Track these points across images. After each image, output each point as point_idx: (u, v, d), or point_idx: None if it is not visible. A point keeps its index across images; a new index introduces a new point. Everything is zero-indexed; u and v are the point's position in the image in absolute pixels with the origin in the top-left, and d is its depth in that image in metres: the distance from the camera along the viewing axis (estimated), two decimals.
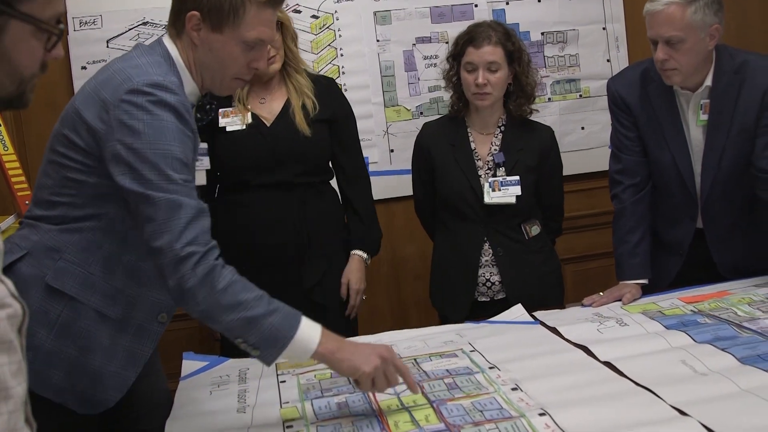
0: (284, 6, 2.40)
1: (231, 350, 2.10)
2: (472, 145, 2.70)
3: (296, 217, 2.64)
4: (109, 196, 1.74)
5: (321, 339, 1.69)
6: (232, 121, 2.63)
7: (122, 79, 1.70)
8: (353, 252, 2.77)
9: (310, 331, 1.69)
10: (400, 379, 1.75)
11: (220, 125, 2.63)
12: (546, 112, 3.76)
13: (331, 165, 2.79)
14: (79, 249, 1.77)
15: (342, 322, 2.68)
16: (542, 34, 3.90)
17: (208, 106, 1.98)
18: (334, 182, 2.83)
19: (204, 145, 2.52)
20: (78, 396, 1.78)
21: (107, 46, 3.45)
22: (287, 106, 2.65)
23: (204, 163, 2.52)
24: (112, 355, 1.80)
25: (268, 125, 2.64)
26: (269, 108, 2.67)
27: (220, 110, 2.62)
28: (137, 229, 1.69)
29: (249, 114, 2.64)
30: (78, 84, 3.36)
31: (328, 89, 2.74)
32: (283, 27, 2.59)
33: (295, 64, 2.67)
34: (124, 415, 1.96)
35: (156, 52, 1.80)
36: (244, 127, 2.62)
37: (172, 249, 1.62)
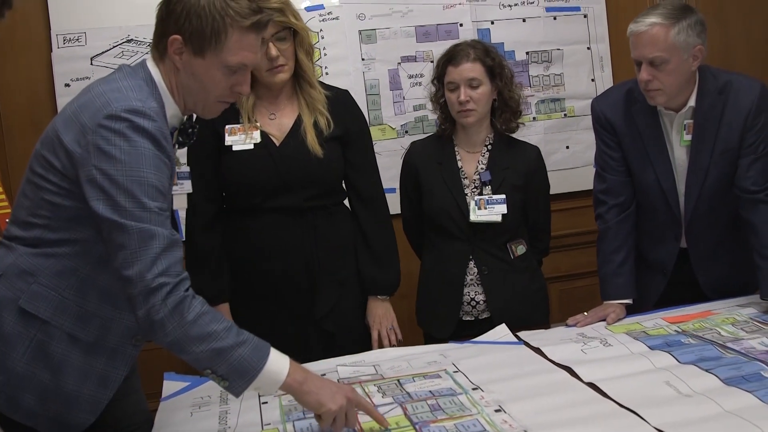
0: (286, 18, 2.35)
1: None
2: (459, 164, 2.70)
3: (306, 244, 2.49)
4: (85, 220, 1.72)
5: (289, 370, 1.70)
6: (239, 140, 2.46)
7: (101, 104, 1.68)
8: (372, 298, 2.62)
9: (278, 363, 1.70)
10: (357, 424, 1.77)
11: (226, 143, 2.47)
12: (531, 131, 3.76)
13: (343, 184, 2.63)
14: (53, 273, 1.75)
15: (350, 349, 2.45)
16: (527, 53, 3.92)
17: (190, 130, 1.95)
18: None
19: (186, 169, 2.43)
20: (50, 419, 1.76)
21: (91, 64, 3.42)
22: (298, 122, 2.48)
23: (185, 186, 2.41)
24: (85, 378, 1.77)
25: (278, 144, 2.48)
26: (279, 124, 2.50)
27: (227, 127, 2.46)
28: (109, 255, 1.67)
29: (257, 132, 2.46)
30: (61, 101, 3.34)
31: (341, 102, 2.57)
32: (297, 37, 2.43)
33: (308, 77, 2.49)
34: None
35: (138, 75, 1.79)
36: (252, 146, 2.45)
37: (143, 279, 1.61)
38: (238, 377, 1.65)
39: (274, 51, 2.37)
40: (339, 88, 2.64)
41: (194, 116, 1.94)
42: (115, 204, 1.62)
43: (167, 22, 1.77)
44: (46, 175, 1.73)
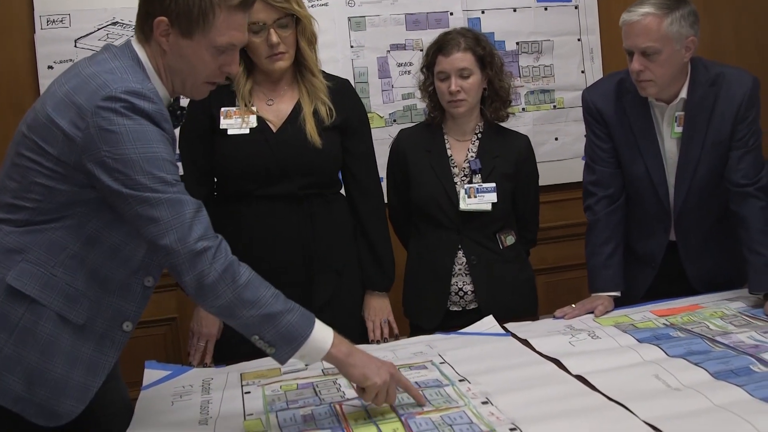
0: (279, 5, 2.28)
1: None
2: (449, 152, 2.66)
3: (303, 233, 2.43)
4: (79, 201, 1.69)
5: (334, 341, 1.72)
6: (234, 123, 2.39)
7: (98, 85, 1.65)
8: (369, 291, 2.58)
9: (323, 332, 1.72)
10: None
11: (221, 126, 2.39)
12: (520, 122, 3.74)
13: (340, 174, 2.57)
14: (42, 249, 1.71)
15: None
16: (517, 43, 3.88)
17: (178, 112, 1.91)
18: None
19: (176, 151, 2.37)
20: (37, 406, 1.72)
21: (75, 46, 3.36)
22: (297, 110, 2.42)
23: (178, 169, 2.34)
24: (73, 363, 1.73)
25: (274, 130, 2.41)
26: (276, 110, 2.43)
27: (222, 110, 2.39)
28: (138, 232, 1.66)
29: (254, 117, 2.39)
30: (44, 83, 3.27)
31: (341, 92, 2.50)
32: (299, 24, 2.35)
33: (309, 65, 2.42)
34: (79, 425, 1.89)
35: (126, 56, 1.75)
36: (248, 131, 2.38)
37: (185, 245, 1.62)
38: (285, 343, 1.67)
39: (274, 38, 2.31)
40: (339, 77, 2.59)
41: (180, 98, 1.90)
42: (136, 183, 1.62)
43: (152, 2, 1.73)
44: (38, 159, 1.68)
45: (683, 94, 2.48)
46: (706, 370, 1.90)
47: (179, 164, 2.32)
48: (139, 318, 1.84)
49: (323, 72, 2.50)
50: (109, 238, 1.73)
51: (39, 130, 1.69)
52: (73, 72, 1.73)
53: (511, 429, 1.64)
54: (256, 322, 1.65)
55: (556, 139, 3.95)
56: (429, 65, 2.68)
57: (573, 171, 3.84)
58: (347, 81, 2.61)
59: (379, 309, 2.57)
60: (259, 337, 1.67)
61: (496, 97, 2.67)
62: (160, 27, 1.72)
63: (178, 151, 2.34)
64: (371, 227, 2.56)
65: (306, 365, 2.00)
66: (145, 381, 2.15)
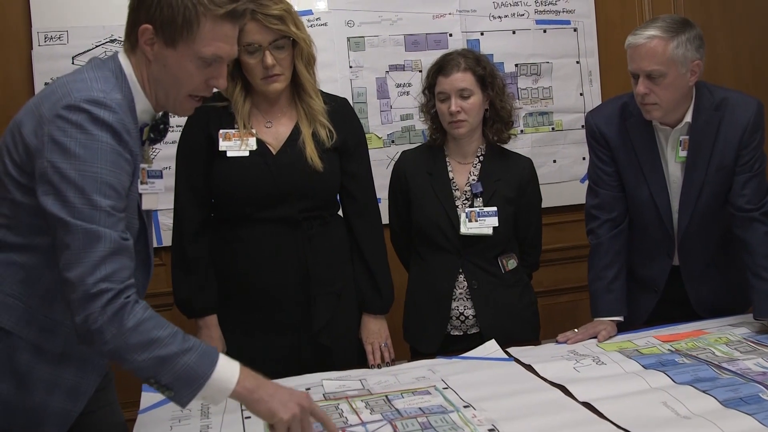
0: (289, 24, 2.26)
1: None
2: (450, 174, 2.64)
3: (301, 255, 2.38)
4: (45, 223, 1.62)
5: (239, 377, 1.61)
6: (233, 146, 2.34)
7: (62, 94, 1.60)
8: (366, 314, 2.53)
9: (228, 369, 1.62)
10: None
11: (220, 149, 2.35)
12: (518, 144, 3.69)
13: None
14: (17, 281, 1.67)
15: (345, 365, 2.38)
16: (516, 65, 3.88)
17: (161, 126, 1.86)
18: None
19: (158, 167, 2.28)
20: None
21: (72, 63, 3.34)
22: (296, 132, 2.38)
23: (156, 185, 2.22)
24: (53, 390, 1.69)
25: (274, 153, 2.37)
26: (275, 133, 2.39)
27: (221, 132, 2.35)
28: (54, 254, 1.58)
29: (253, 139, 2.35)
30: None
31: (340, 112, 2.47)
32: (297, 46, 2.31)
33: (307, 87, 2.38)
34: None
35: (107, 67, 1.71)
36: (247, 153, 2.34)
37: (83, 283, 1.52)
38: (183, 386, 1.57)
39: (270, 59, 2.27)
40: (338, 96, 2.56)
41: (169, 114, 1.86)
42: (64, 200, 1.54)
43: (139, 11, 1.70)
44: (8, 170, 1.65)
45: (688, 118, 2.46)
46: (714, 398, 1.88)
47: (160, 180, 2.25)
48: None
49: (321, 92, 2.47)
50: None
51: (9, 138, 1.66)
52: (52, 83, 1.70)
53: None
54: (149, 365, 1.54)
55: (555, 161, 3.94)
56: (430, 86, 2.66)
57: (571, 193, 3.84)
58: (346, 100, 2.59)
59: (377, 332, 2.53)
60: (155, 381, 1.57)
61: (497, 118, 2.64)
62: (144, 35, 1.68)
63: (169, 166, 2.30)
64: (368, 249, 2.53)
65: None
66: (143, 405, 2.09)
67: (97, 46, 3.37)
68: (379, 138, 3.70)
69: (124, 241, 1.58)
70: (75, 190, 1.54)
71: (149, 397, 2.14)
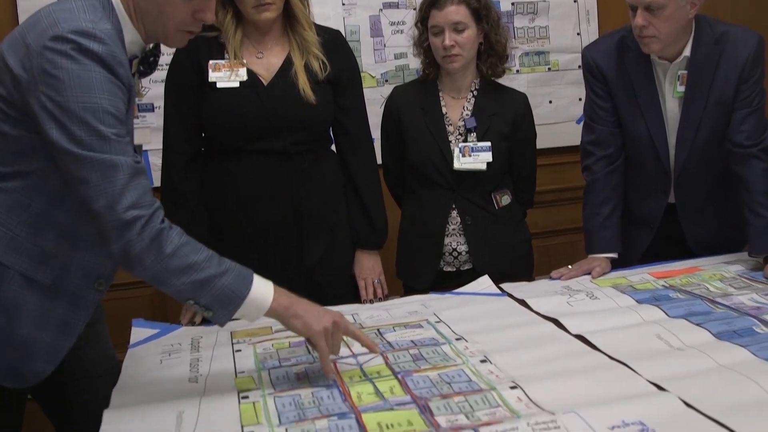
0: None
1: None
2: (444, 110, 2.59)
3: (294, 189, 2.35)
4: (35, 151, 1.60)
5: (275, 295, 1.66)
6: (223, 76, 2.29)
7: (48, 24, 1.55)
8: (360, 250, 2.52)
9: (263, 288, 1.66)
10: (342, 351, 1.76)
11: (210, 80, 2.30)
12: (514, 84, 3.60)
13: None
14: (3, 209, 1.63)
15: (338, 301, 2.34)
16: (512, 4, 3.80)
17: (152, 58, 1.81)
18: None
19: (148, 101, 2.24)
20: (4, 368, 1.66)
21: None
22: (288, 63, 2.33)
23: (147, 120, 2.19)
24: (43, 324, 1.67)
25: (265, 84, 2.32)
26: (266, 64, 2.34)
27: (211, 62, 2.30)
28: (70, 188, 1.57)
29: (244, 70, 2.31)
30: None
31: (333, 44, 2.41)
32: None
33: (300, 18, 2.33)
34: (64, 385, 1.84)
35: None
36: (238, 84, 2.30)
37: (113, 213, 1.53)
38: (221, 306, 1.61)
39: None
40: (331, 28, 2.51)
41: (160, 46, 1.81)
42: (70, 134, 1.51)
43: None
44: None
45: (687, 52, 2.41)
46: (708, 330, 1.87)
47: (151, 114, 2.22)
48: (113, 276, 1.78)
49: (315, 24, 2.41)
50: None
51: None
52: (36, 12, 1.64)
53: (511, 387, 1.59)
54: (188, 289, 1.59)
55: (551, 102, 3.89)
56: (423, 20, 2.60)
57: (567, 134, 3.80)
58: (339, 32, 2.53)
59: (370, 268, 2.52)
60: (194, 302, 1.61)
61: (492, 52, 2.59)
62: None
63: (160, 104, 2.26)
64: (362, 184, 2.50)
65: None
66: (133, 339, 2.09)
67: None
68: (373, 77, 3.64)
69: (137, 164, 1.59)
70: (78, 121, 1.52)
71: (139, 332, 2.14)
